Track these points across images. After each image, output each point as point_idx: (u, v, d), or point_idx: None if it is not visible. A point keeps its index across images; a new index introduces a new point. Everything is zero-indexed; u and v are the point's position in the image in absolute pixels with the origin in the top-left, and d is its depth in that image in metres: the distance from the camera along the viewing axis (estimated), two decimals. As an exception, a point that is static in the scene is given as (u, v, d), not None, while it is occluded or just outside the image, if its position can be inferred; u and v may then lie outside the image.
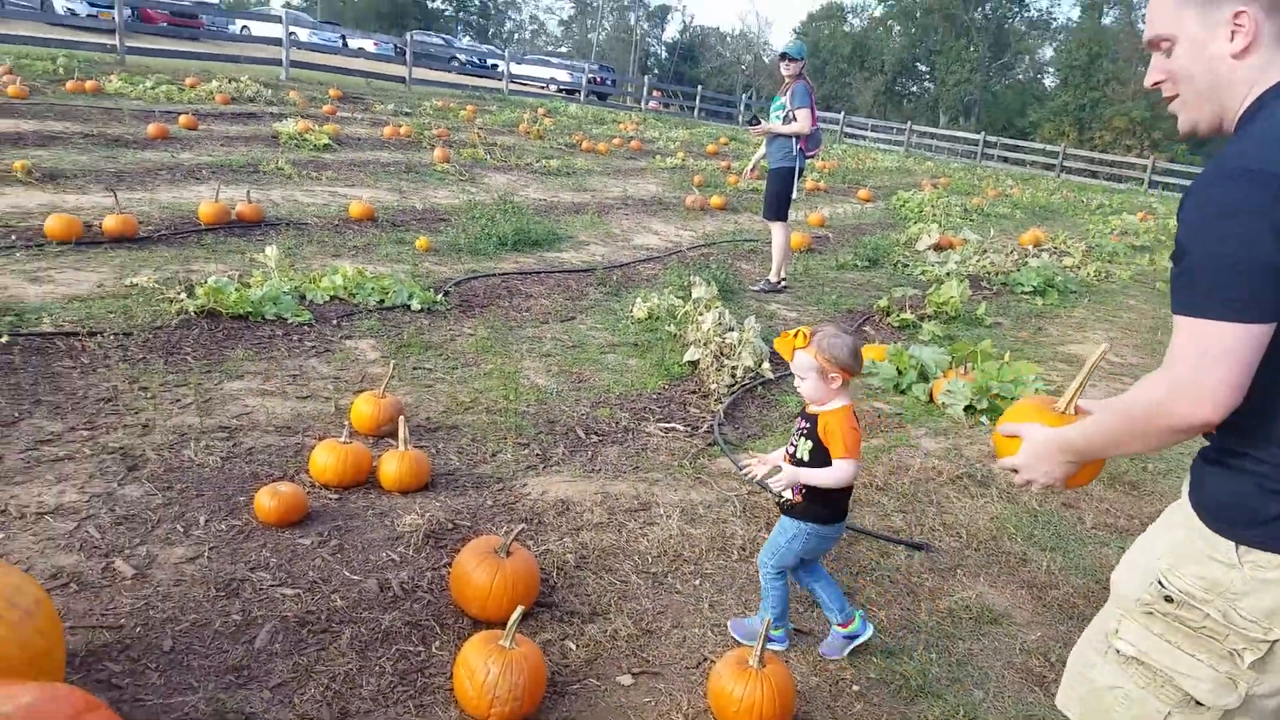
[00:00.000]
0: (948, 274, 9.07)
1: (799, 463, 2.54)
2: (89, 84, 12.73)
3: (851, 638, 2.78)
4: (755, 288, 7.67)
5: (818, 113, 7.45)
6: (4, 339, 4.09)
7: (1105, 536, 3.84)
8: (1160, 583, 1.47)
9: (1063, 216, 17.21)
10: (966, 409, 5.14)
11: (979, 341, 5.94)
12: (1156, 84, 1.53)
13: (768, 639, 2.52)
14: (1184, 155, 41.50)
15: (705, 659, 2.69)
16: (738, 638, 2.79)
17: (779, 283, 7.74)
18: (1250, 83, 1.42)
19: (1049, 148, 33.42)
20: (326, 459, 3.27)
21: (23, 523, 2.79)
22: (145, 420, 3.59)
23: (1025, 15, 57.38)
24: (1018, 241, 11.85)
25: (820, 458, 2.49)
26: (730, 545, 3.37)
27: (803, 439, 2.54)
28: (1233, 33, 1.40)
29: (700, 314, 5.72)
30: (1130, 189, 27.64)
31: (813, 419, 2.52)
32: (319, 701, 2.27)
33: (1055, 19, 58.57)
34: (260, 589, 2.66)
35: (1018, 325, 7.71)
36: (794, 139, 7.27)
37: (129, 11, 17.30)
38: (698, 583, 3.10)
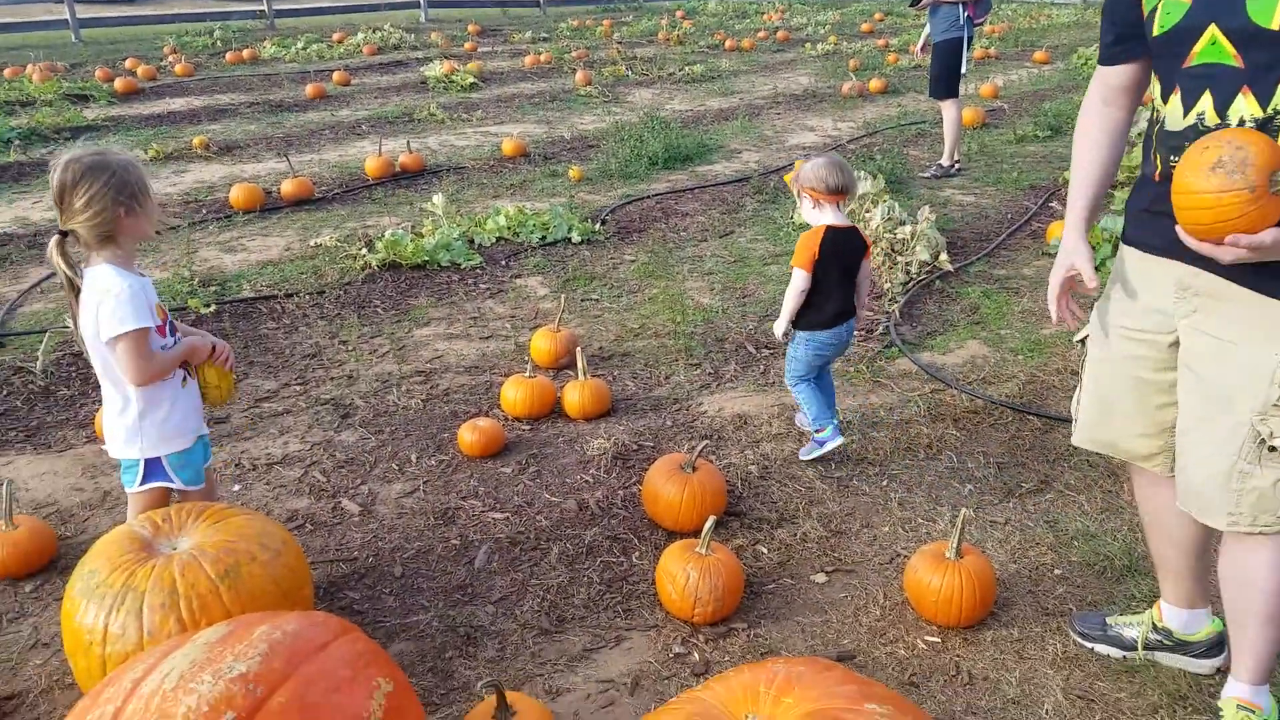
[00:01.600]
0: (1139, 134, 8.21)
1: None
2: (246, 53, 13.61)
3: (820, 443, 3.11)
4: (926, 174, 7.26)
5: None
6: (213, 308, 4.55)
7: None
8: None
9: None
10: (1170, 281, 4.73)
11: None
12: None
13: (827, 440, 3.09)
14: None
15: (898, 555, 2.70)
16: (803, 457, 3.18)
17: (953, 166, 7.28)
18: None
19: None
20: (516, 393, 3.45)
21: (256, 474, 3.14)
22: (349, 371, 3.92)
23: None
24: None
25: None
26: (916, 445, 3.31)
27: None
28: None
29: (867, 210, 5.50)
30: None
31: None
32: (537, 611, 2.47)
33: None
34: (473, 515, 2.89)
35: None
36: (960, 6, 6.71)
37: (272, -28, 18.16)
38: (885, 483, 3.08)
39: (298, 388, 3.78)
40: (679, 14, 20.72)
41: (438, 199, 5.85)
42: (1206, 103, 1.66)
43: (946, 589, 2.33)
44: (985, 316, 4.51)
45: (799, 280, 2.97)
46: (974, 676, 2.23)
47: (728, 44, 15.69)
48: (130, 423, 2.20)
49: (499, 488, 3.05)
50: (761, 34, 17.25)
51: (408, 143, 7.92)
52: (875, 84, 11.40)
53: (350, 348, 4.16)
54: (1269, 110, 1.58)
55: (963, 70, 6.94)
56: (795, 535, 2.78)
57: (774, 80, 12.59)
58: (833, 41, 15.90)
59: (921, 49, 7.64)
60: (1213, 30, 1.61)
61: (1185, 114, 1.70)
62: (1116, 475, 3.09)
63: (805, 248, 2.95)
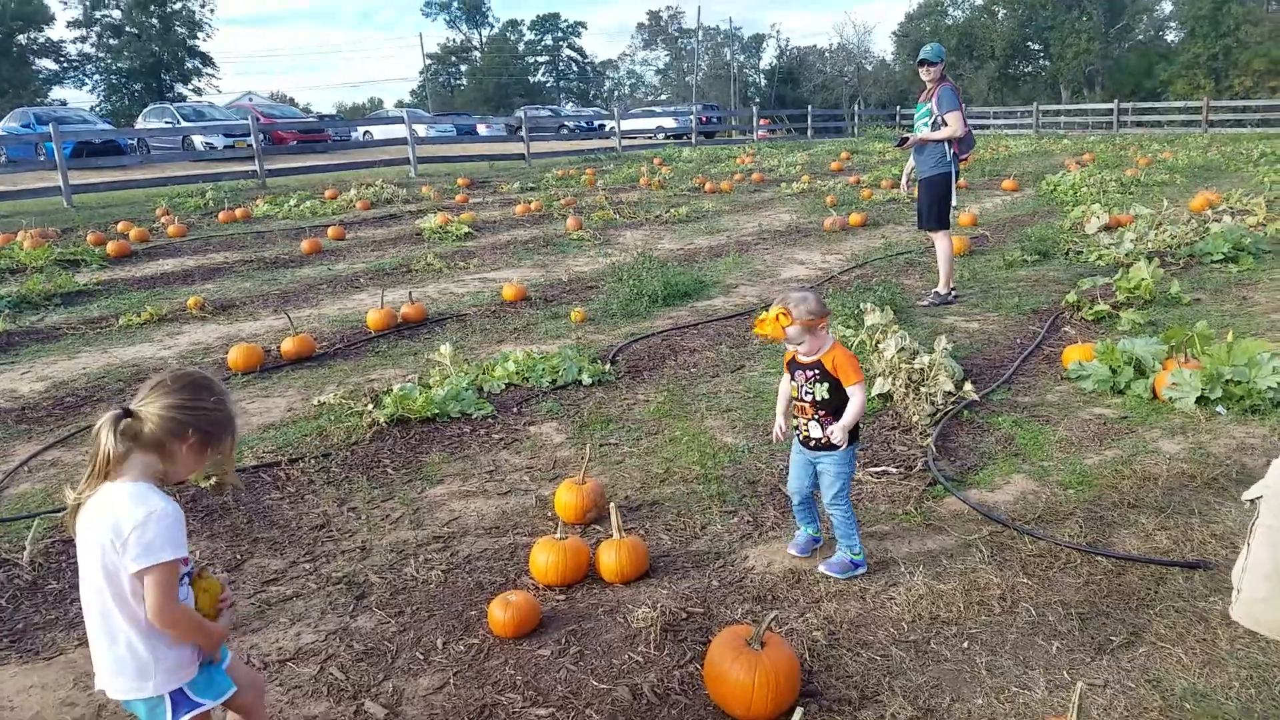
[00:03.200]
0: (1127, 255, 8.37)
1: (822, 405, 3.06)
2: (239, 211, 13.82)
3: (858, 565, 3.19)
4: (924, 303, 7.26)
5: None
6: (213, 480, 4.25)
7: None
8: None
9: (1226, 174, 15.76)
10: (1198, 401, 4.63)
11: (1191, 324, 5.36)
12: None
13: (862, 564, 3.22)
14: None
15: (998, 734, 2.39)
16: (836, 575, 3.18)
17: (949, 293, 7.30)
18: None
19: (1187, 104, 31.23)
20: (547, 558, 3.17)
21: (268, 672, 2.78)
22: (361, 542, 3.62)
23: (1136, -25, 54.16)
24: (1188, 208, 10.85)
25: (836, 393, 3.04)
26: (989, 598, 3.04)
27: (817, 384, 3.05)
28: None
29: (879, 341, 5.40)
30: (1292, 128, 25.14)
31: (817, 365, 3.03)
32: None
33: (1169, -28, 54.78)
34: (513, 711, 2.55)
35: (1218, 299, 6.99)
36: (946, 144, 6.98)
37: (262, 137, 18.73)
38: (965, 645, 2.79)
39: (307, 565, 3.46)
40: (657, 161, 21.53)
41: (445, 348, 5.70)
42: None
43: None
44: (1023, 448, 4.33)
45: (865, 391, 3.10)
46: None
47: (707, 186, 16.20)
48: (140, 655, 1.88)
49: (539, 675, 2.71)
50: (738, 176, 17.88)
51: (409, 293, 7.87)
52: (855, 218, 11.69)
53: (361, 515, 3.87)
54: None
55: (954, 203, 7.10)
56: (882, 718, 2.46)
57: (757, 218, 12.88)
58: (806, 180, 16.47)
59: (906, 185, 7.82)
60: None
61: None
62: (1207, 620, 2.84)
63: (851, 357, 3.08)
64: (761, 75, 77.03)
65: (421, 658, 2.83)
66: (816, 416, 3.08)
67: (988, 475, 4.02)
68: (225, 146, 22.67)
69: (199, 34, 59.92)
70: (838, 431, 3.01)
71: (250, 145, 18.49)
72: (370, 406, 4.98)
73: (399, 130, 22.93)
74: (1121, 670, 2.64)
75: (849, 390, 3.02)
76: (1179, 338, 5.11)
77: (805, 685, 2.58)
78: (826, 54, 71.90)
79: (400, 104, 53.94)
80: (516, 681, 2.68)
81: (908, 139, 7.21)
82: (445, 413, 4.96)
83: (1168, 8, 54.16)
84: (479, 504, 3.96)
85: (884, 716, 2.46)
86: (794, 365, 3.10)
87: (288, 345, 6.28)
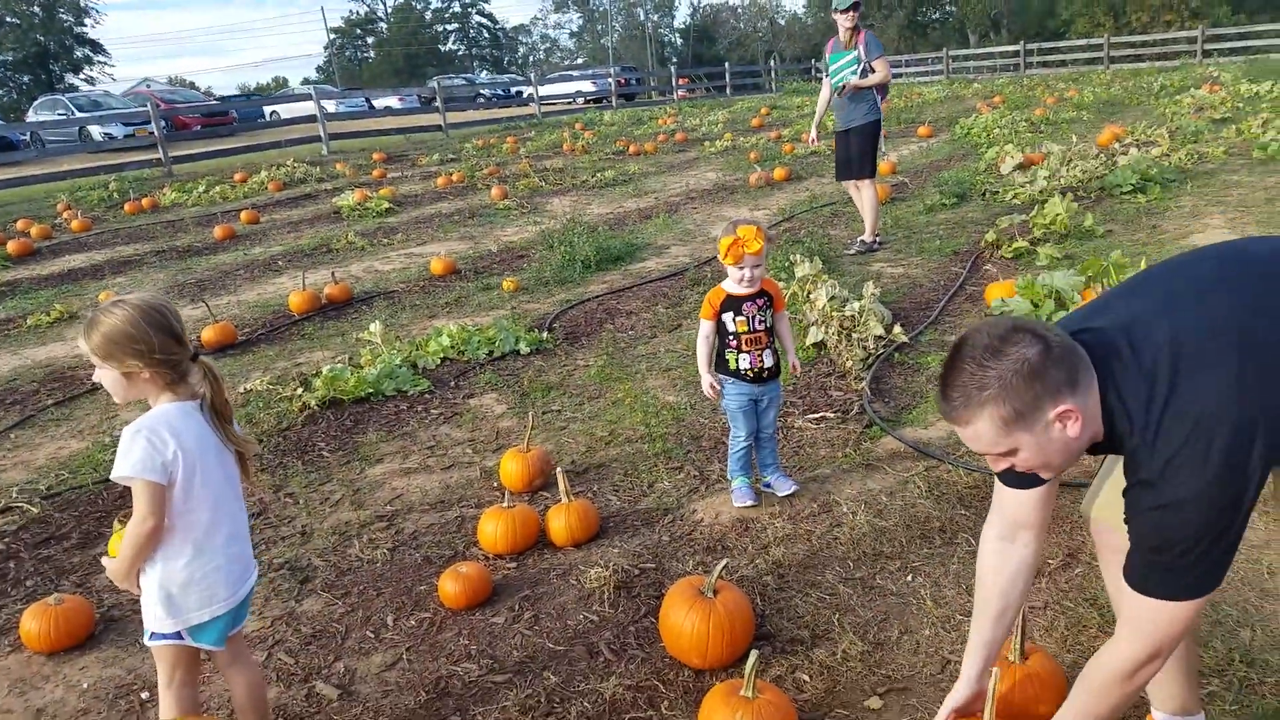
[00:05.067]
0: (1041, 192, 8.58)
1: (770, 331, 3.19)
2: (145, 201, 13.22)
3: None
4: (850, 251, 7.35)
5: None
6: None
7: None
8: None
9: (1129, 107, 16.26)
10: (1117, 328, 4.78)
11: (1106, 254, 5.54)
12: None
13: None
14: (1229, 17, 39.17)
15: (947, 662, 2.46)
16: (796, 486, 3.42)
17: (874, 240, 7.40)
18: None
19: (1090, 42, 31.98)
20: (495, 527, 3.14)
21: (213, 662, 2.71)
22: (302, 527, 3.54)
23: (1035, -89, 54.98)
24: (1096, 143, 11.18)
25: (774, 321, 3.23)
26: (930, 530, 3.13)
27: (766, 310, 3.16)
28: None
29: (810, 292, 5.46)
30: (1184, 64, 26.05)
31: (763, 293, 3.15)
32: (566, 791, 2.13)
33: (1065, -94, 55.76)
34: (470, 681, 2.53)
35: (1130, 228, 7.23)
36: (875, 90, 7.00)
37: (164, 123, 17.90)
38: (909, 578, 2.87)
39: (247, 553, 3.37)
40: (579, 126, 21.27)
41: (375, 327, 5.58)
42: None
43: (1021, 696, 2.09)
44: (953, 385, 4.43)
45: None
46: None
47: (631, 149, 16.08)
48: None
49: (494, 643, 2.70)
50: (661, 137, 17.78)
51: (332, 273, 7.66)
52: (779, 172, 11.75)
53: (299, 500, 3.77)
54: None
55: (882, 150, 7.16)
56: (834, 655, 2.52)
57: (683, 178, 12.86)
58: (728, 138, 16.48)
59: (816, 135, 7.87)
60: None
61: None
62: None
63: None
64: (677, 35, 76.51)
65: (372, 636, 2.79)
66: (770, 344, 3.17)
67: (920, 414, 4.12)
68: (125, 136, 21.63)
69: (86, 20, 56.70)
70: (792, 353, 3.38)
71: (152, 133, 17.65)
72: (300, 390, 4.85)
73: (307, 108, 22.11)
74: (1060, 591, 2.74)
75: (779, 315, 3.23)
76: (1096, 269, 5.27)
77: (759, 629, 2.62)
78: (740, 10, 71.72)
79: (306, 81, 52.07)
80: (471, 651, 2.66)
81: (845, 87, 7.07)
82: (380, 391, 4.86)
83: (1067, -49, 55.35)
84: (421, 480, 3.90)
85: (835, 653, 2.52)
86: (733, 302, 3.12)
87: (208, 334, 6.06)
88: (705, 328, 3.21)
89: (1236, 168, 9.26)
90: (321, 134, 19.18)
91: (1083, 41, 33.08)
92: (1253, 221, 6.96)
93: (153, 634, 1.95)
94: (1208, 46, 26.90)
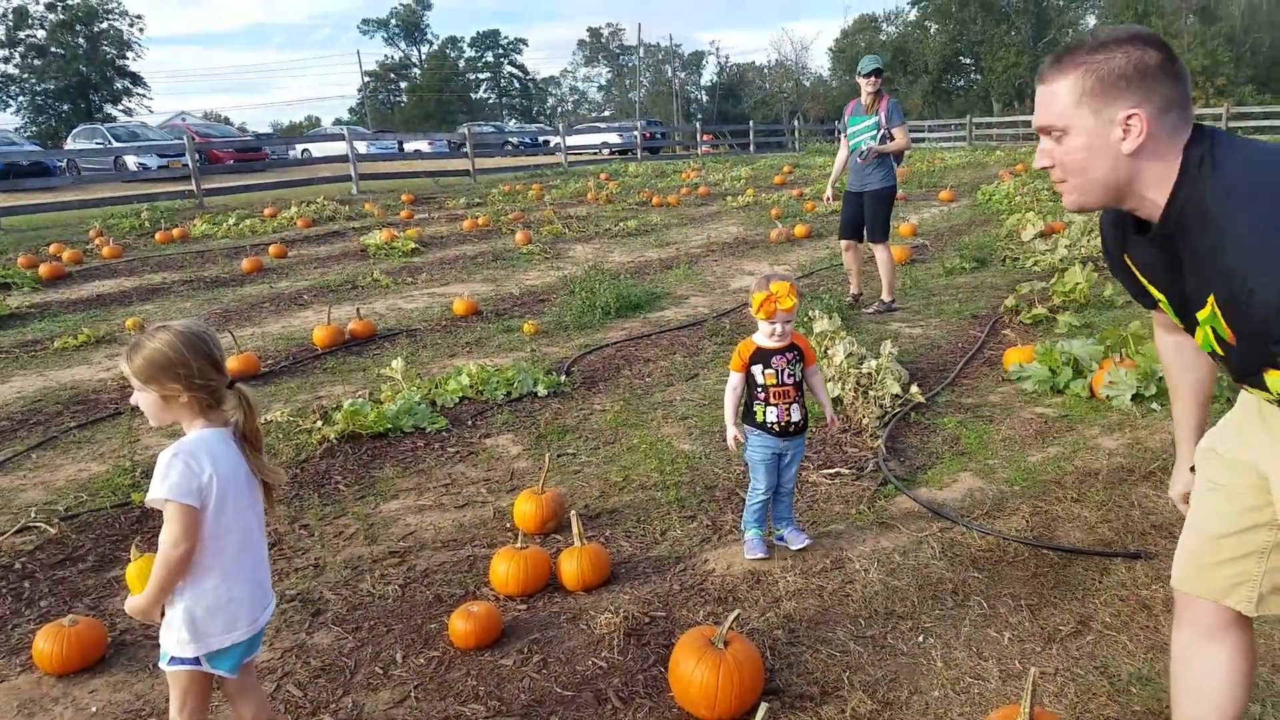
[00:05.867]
0: (1062, 260, 8.65)
1: (799, 386, 3.20)
2: (176, 231, 13.49)
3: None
4: (870, 310, 7.40)
5: None
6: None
7: None
8: None
9: (1155, 178, 16.35)
10: (1134, 398, 4.79)
11: (1124, 324, 5.55)
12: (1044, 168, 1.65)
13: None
14: (1253, 97, 39.58)
15: (956, 725, 2.44)
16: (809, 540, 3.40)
17: (892, 301, 7.46)
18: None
19: (1116, 112, 32.18)
20: (508, 568, 3.15)
21: (222, 693, 2.72)
22: (315, 560, 3.56)
23: (1063, -11, 56.10)
24: (1121, 212, 11.23)
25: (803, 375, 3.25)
26: (942, 592, 3.11)
27: (797, 364, 3.18)
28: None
29: (828, 348, 5.50)
30: (1213, 139, 26.23)
31: (793, 346, 3.17)
32: (569, 838, 2.11)
33: (1093, -14, 56.86)
34: (477, 722, 2.53)
35: (1152, 299, 7.23)
36: (893, 156, 7.14)
37: (198, 156, 18.34)
38: (920, 639, 2.85)
39: (260, 582, 3.39)
40: (603, 176, 21.62)
41: (396, 363, 5.65)
42: None
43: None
44: (969, 447, 4.44)
45: None
46: None
47: (654, 200, 16.32)
48: None
49: (502, 685, 2.70)
50: (684, 190, 18.05)
51: (357, 309, 7.77)
52: (800, 229, 11.88)
53: (313, 532, 3.80)
54: None
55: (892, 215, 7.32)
56: (843, 713, 2.50)
57: (705, 231, 13.01)
58: (751, 194, 16.68)
59: (833, 196, 7.94)
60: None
61: None
62: (1150, 608, 2.94)
63: None
64: (703, 92, 77.93)
65: (381, 672, 2.79)
66: (798, 399, 3.19)
67: (936, 474, 4.12)
68: (159, 167, 22.13)
69: (128, 53, 58.46)
70: (830, 410, 3.40)
71: (185, 165, 18.11)
72: (319, 423, 4.90)
73: (339, 148, 22.65)
74: (1070, 658, 2.72)
75: (811, 370, 3.25)
76: (1114, 338, 5.29)
77: (768, 683, 2.61)
78: (765, 70, 73.11)
79: (339, 122, 53.24)
80: (479, 692, 2.66)
81: (863, 151, 7.15)
82: (398, 427, 4.91)
83: (1092, 21, 56.17)
84: (435, 517, 3.92)
85: (844, 711, 2.50)
86: (763, 355, 3.14)
87: (232, 364, 6.14)
88: (734, 379, 3.21)
89: (1257, 243, 9.28)
90: (352, 173, 19.58)
91: (1107, 114, 33.33)
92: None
93: (172, 658, 1.97)
94: (1233, 124, 27.14)
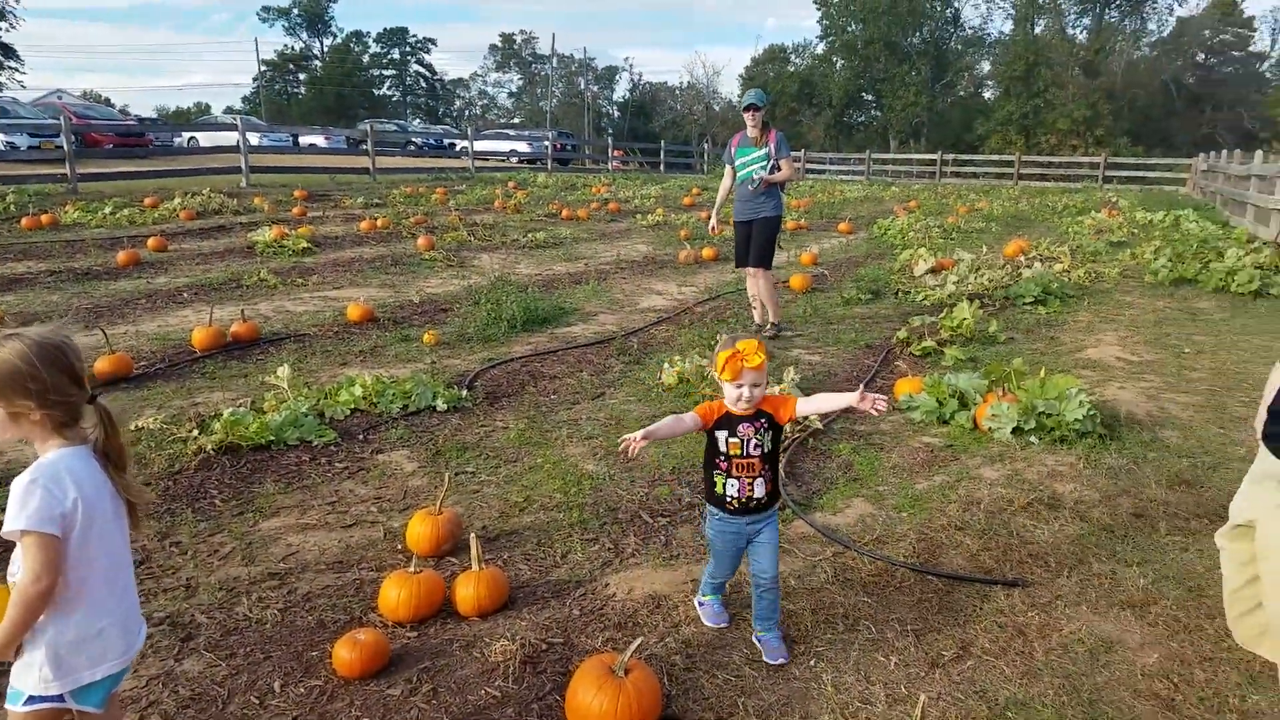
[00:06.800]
0: (950, 295, 9.04)
1: (769, 458, 2.78)
2: (45, 218, 12.58)
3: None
4: (765, 334, 7.54)
5: None
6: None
7: (1182, 541, 3.75)
8: None
9: (1035, 223, 17.35)
10: (1014, 431, 5.02)
11: (1007, 360, 5.84)
12: None
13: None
14: (1127, 149, 42.62)
15: (845, 751, 2.48)
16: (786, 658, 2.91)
17: (780, 324, 7.68)
18: None
19: (1002, 158, 34.13)
20: (399, 593, 3.03)
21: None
22: (186, 580, 3.34)
23: (961, 34, 58.97)
24: (1003, 254, 11.87)
25: (776, 442, 2.81)
26: (834, 616, 3.16)
27: (766, 433, 2.76)
28: None
29: (731, 372, 5.55)
30: (1086, 186, 28.09)
31: (763, 413, 2.75)
32: None
33: (989, 34, 60.05)
34: (361, 755, 2.41)
35: (1030, 338, 7.64)
36: (780, 187, 7.32)
37: (75, 138, 17.21)
38: (813, 663, 2.88)
39: (125, 603, 3.15)
40: (512, 185, 21.42)
41: (283, 370, 5.39)
42: None
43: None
44: (861, 474, 4.55)
45: None
46: None
47: (564, 213, 16.26)
48: None
49: (388, 716, 2.57)
50: (594, 205, 18.05)
51: (241, 311, 7.40)
52: (708, 252, 12.05)
53: (186, 550, 3.56)
54: None
55: (778, 245, 7.56)
56: (738, 738, 2.50)
57: (614, 247, 13.04)
58: (660, 214, 16.84)
59: (718, 224, 8.07)
60: None
61: None
62: (1025, 634, 3.06)
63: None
64: (615, 107, 78.35)
65: (257, 702, 2.63)
66: (764, 473, 2.77)
67: (830, 499, 4.20)
68: (30, 147, 20.64)
69: (2, 24, 54.57)
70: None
71: (60, 146, 16.93)
72: (196, 432, 4.63)
73: (229, 138, 21.61)
74: (953, 683, 2.80)
75: (797, 406, 2.80)
76: (998, 373, 5.54)
77: (665, 710, 2.58)
78: (678, 91, 74.09)
79: (230, 110, 51.03)
80: (365, 724, 2.53)
81: (754, 181, 7.24)
82: (282, 439, 4.68)
83: (986, 67, 59.34)
84: (320, 537, 3.74)
85: (740, 739, 2.50)
86: (729, 421, 2.73)
87: (101, 364, 5.75)
88: (689, 417, 2.76)
89: (1130, 289, 9.94)
90: (243, 165, 18.74)
91: (995, 157, 35.31)
92: (1142, 341, 7.45)
93: (29, 698, 1.78)
94: (1108, 173, 29.09)
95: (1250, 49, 55.91)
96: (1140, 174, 28.73)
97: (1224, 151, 22.23)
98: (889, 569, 3.50)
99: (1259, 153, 16.29)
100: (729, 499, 2.78)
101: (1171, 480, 4.40)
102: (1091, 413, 5.00)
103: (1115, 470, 4.54)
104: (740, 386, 2.67)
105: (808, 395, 2.85)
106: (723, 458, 2.76)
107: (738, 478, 2.76)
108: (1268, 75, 55.64)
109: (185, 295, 8.53)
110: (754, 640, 2.96)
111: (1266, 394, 1.97)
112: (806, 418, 5.12)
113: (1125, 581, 3.40)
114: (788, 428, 4.92)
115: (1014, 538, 3.80)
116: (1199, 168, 24.46)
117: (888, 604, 3.26)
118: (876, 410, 2.67)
